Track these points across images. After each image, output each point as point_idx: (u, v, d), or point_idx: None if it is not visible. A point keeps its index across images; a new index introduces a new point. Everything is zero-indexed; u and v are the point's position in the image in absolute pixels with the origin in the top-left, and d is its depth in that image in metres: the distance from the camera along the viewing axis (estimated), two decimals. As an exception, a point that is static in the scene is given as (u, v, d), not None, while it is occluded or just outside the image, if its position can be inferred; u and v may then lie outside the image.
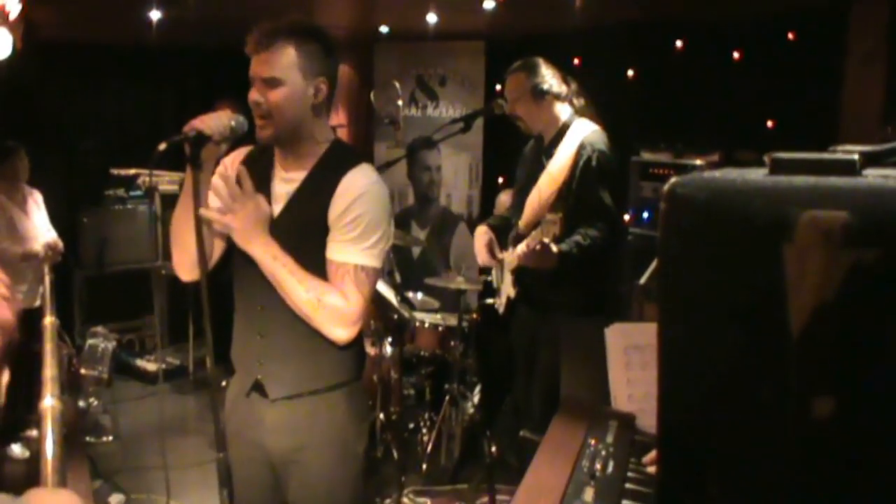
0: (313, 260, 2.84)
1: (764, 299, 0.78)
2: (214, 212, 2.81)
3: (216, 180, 2.93)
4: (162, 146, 2.58)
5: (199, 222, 2.69)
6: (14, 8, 5.03)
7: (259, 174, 2.97)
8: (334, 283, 2.82)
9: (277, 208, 2.91)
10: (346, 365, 2.99)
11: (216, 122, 2.71)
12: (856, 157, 0.87)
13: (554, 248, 4.20)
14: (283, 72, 2.76)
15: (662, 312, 1.02)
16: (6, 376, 1.66)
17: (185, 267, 2.93)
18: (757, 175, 0.91)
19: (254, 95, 2.81)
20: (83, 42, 8.78)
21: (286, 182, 2.94)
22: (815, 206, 0.72)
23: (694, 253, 0.92)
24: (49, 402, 2.08)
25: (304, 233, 2.86)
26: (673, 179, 0.96)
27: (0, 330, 1.57)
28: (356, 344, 2.99)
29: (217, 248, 3.01)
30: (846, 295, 0.70)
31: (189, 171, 2.72)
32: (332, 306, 2.79)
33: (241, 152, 3.10)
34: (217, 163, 2.95)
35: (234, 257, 3.01)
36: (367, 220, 2.81)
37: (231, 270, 3.05)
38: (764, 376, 0.78)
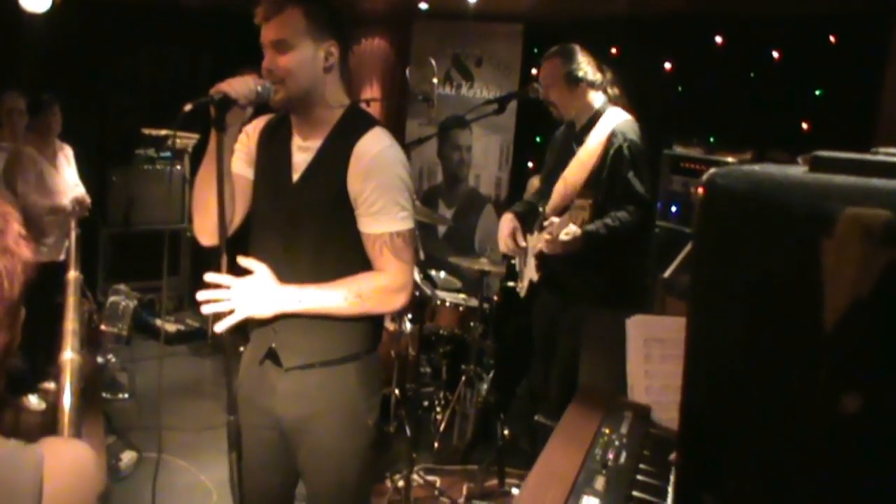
0: (337, 228, 2.88)
1: (799, 292, 0.77)
2: (231, 317, 2.78)
3: (235, 171, 2.97)
4: (187, 107, 2.60)
5: (222, 185, 2.69)
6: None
7: (278, 143, 3.01)
8: (373, 256, 2.86)
9: (296, 177, 2.93)
10: (361, 337, 3.01)
11: (242, 86, 2.72)
12: (896, 159, 0.86)
13: (577, 231, 4.19)
14: (293, 36, 2.79)
15: (693, 300, 1.01)
16: (21, 314, 1.68)
17: (207, 231, 2.93)
18: (796, 171, 0.91)
19: (266, 63, 2.82)
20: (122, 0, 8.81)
21: (303, 150, 2.95)
22: (856, 204, 0.72)
23: (730, 242, 0.92)
24: (69, 356, 2.09)
25: (326, 202, 2.88)
26: (712, 170, 0.96)
27: (22, 266, 1.59)
28: (372, 316, 3.00)
29: (238, 213, 3.02)
30: (882, 292, 0.70)
31: (213, 133, 2.73)
32: (373, 290, 2.84)
33: (262, 121, 3.13)
34: (240, 129, 2.97)
35: (250, 221, 3.03)
36: (388, 185, 2.83)
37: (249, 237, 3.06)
38: (793, 369, 0.78)
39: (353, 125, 2.93)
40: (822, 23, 6.25)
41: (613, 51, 6.96)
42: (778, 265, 0.82)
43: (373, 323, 3.05)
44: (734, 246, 0.91)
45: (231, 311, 2.77)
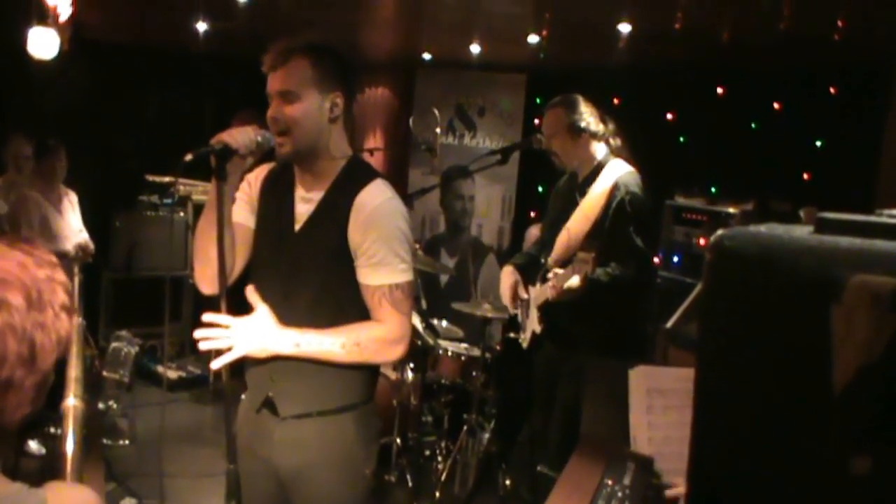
0: (338, 279, 2.88)
1: (807, 355, 0.78)
2: (228, 355, 2.77)
3: (236, 221, 2.98)
4: (188, 157, 2.61)
5: (223, 234, 2.72)
6: (65, 10, 5.09)
7: (281, 193, 3.03)
8: (372, 307, 2.86)
9: (298, 227, 2.95)
10: (358, 387, 3.00)
11: (243, 136, 2.74)
12: (902, 221, 0.87)
13: (580, 284, 4.20)
14: (300, 86, 2.81)
15: (701, 360, 1.02)
16: (48, 387, 1.67)
17: (207, 279, 2.92)
18: (803, 232, 0.92)
19: (272, 112, 2.84)
20: (130, 46, 8.90)
21: (306, 201, 2.97)
22: (863, 270, 0.73)
23: (738, 305, 0.92)
24: (72, 402, 2.09)
25: (326, 252, 2.89)
26: (719, 232, 0.97)
27: (57, 339, 1.58)
28: (369, 366, 3.00)
29: (239, 262, 3.03)
30: (891, 357, 0.71)
31: (214, 183, 2.74)
32: (372, 340, 2.83)
33: (264, 169, 3.14)
34: (242, 178, 2.98)
35: (251, 274, 3.04)
36: (386, 238, 2.84)
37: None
38: (802, 431, 0.79)
39: (354, 177, 2.94)
40: (824, 74, 6.31)
41: (615, 101, 7.01)
42: (786, 328, 0.83)
43: (369, 373, 3.05)
44: (742, 308, 0.91)
45: (229, 349, 2.76)
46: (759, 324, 0.88)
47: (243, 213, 3.05)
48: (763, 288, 0.87)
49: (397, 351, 2.90)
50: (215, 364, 2.74)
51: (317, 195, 2.95)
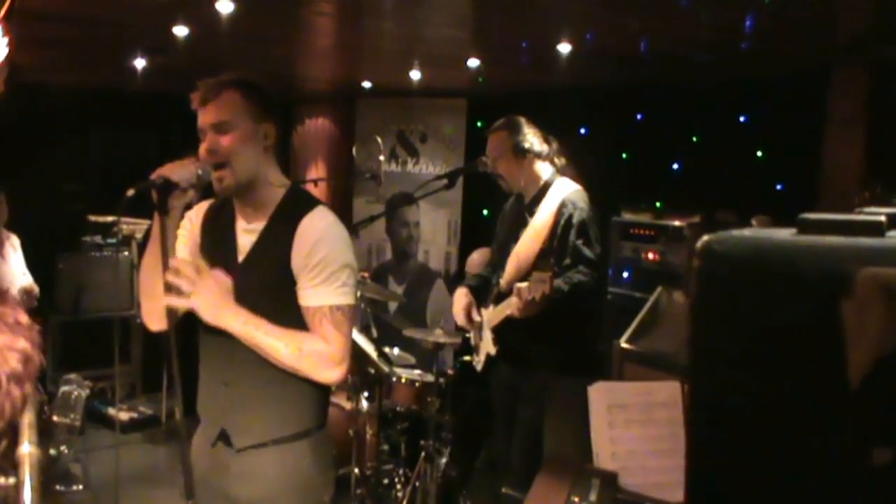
0: (282, 307, 2.89)
1: (818, 352, 0.79)
2: (179, 299, 2.80)
3: (180, 256, 3.00)
4: (130, 192, 2.63)
5: (167, 268, 2.74)
6: (1, 51, 5.02)
7: (222, 226, 3.06)
8: (313, 328, 2.87)
9: (241, 258, 2.97)
10: (311, 413, 3.01)
11: (182, 169, 2.76)
12: (882, 218, 0.88)
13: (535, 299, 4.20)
14: (233, 116, 2.85)
15: (695, 368, 1.02)
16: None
17: (154, 316, 2.95)
18: (786, 234, 0.92)
19: (207, 145, 2.87)
20: (67, 86, 8.81)
21: (248, 233, 2.99)
22: (870, 264, 0.73)
23: (734, 308, 0.93)
24: (27, 449, 2.04)
25: (270, 282, 2.91)
26: (706, 237, 0.98)
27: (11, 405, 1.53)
28: (320, 391, 3.02)
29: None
30: (907, 347, 0.71)
31: (157, 217, 2.77)
32: (313, 352, 2.84)
33: (203, 205, 3.17)
34: (184, 212, 3.00)
35: None
36: (331, 260, 2.86)
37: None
38: (816, 426, 0.79)
39: (296, 204, 2.97)
40: (762, 84, 6.39)
41: (557, 121, 7.06)
42: (790, 327, 0.83)
43: (322, 398, 3.06)
44: (739, 312, 0.92)
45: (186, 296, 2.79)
46: (760, 325, 0.88)
47: (186, 249, 3.08)
48: (762, 289, 0.87)
49: (335, 373, 2.90)
50: (169, 301, 2.77)
51: (258, 225, 2.98)
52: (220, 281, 2.83)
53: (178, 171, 2.75)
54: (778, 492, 0.85)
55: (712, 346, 0.98)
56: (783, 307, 0.84)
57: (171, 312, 2.76)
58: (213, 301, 2.80)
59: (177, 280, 2.77)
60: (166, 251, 2.76)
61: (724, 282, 0.94)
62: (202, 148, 2.87)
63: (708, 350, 1.00)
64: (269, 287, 2.91)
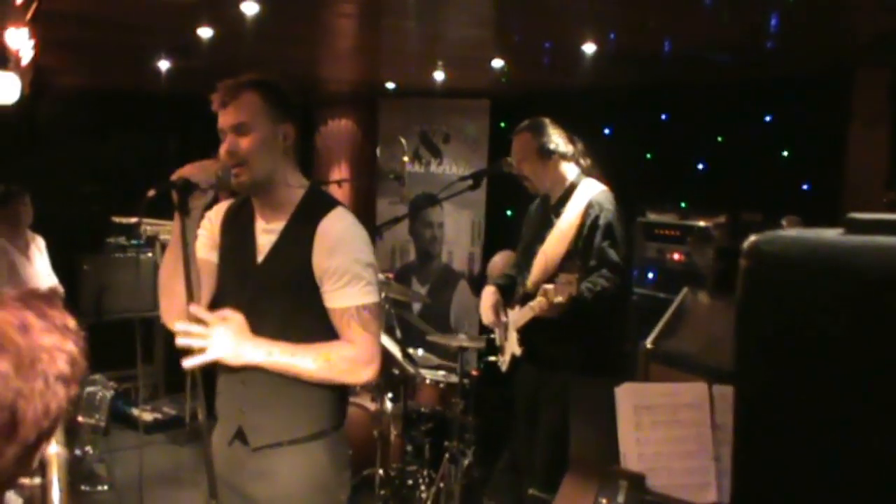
0: (302, 307, 2.93)
1: (873, 351, 0.77)
2: (198, 358, 2.77)
3: (200, 256, 3.01)
4: (150, 193, 2.64)
5: (189, 269, 2.74)
6: (26, 54, 5.05)
7: (241, 226, 3.08)
8: (341, 329, 2.90)
9: (261, 258, 2.98)
10: (328, 414, 3.02)
11: (202, 170, 2.78)
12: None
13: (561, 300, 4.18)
14: (252, 117, 2.87)
15: (742, 369, 1.00)
16: (35, 460, 1.61)
17: (174, 314, 2.93)
18: (835, 234, 0.91)
19: (227, 146, 2.88)
20: (91, 88, 8.86)
21: (267, 233, 3.00)
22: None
23: (786, 308, 0.91)
24: (54, 449, 2.05)
25: (291, 282, 2.93)
26: (753, 237, 0.97)
27: (45, 410, 1.52)
28: (338, 393, 3.04)
29: (205, 296, 3.05)
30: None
31: (177, 218, 2.77)
32: (342, 359, 2.86)
33: (224, 205, 3.19)
34: (204, 213, 3.02)
35: (216, 305, 3.04)
36: (352, 262, 2.88)
37: None
38: (870, 430, 0.77)
39: (315, 205, 2.99)
40: (785, 85, 6.36)
41: (581, 122, 7.05)
42: (846, 327, 0.82)
43: (338, 399, 3.07)
44: (790, 312, 0.91)
45: (203, 351, 2.76)
46: (814, 326, 0.87)
47: (206, 249, 3.10)
48: (816, 289, 0.86)
49: (368, 372, 2.94)
50: (187, 363, 2.75)
51: (278, 226, 2.99)
52: (230, 323, 2.81)
53: (198, 172, 2.76)
54: (825, 494, 0.84)
55: (760, 346, 0.97)
56: (838, 307, 0.83)
57: (190, 314, 2.75)
58: (231, 346, 2.79)
59: (189, 340, 2.76)
60: (187, 250, 2.76)
61: (774, 282, 0.93)
62: (222, 149, 2.89)
63: (756, 351, 0.98)
64: (289, 287, 2.93)
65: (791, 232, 0.96)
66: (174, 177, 2.73)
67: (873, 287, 0.79)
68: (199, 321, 2.77)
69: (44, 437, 1.52)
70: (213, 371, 2.88)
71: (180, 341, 2.76)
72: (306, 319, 2.91)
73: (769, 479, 0.95)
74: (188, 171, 2.76)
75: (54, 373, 1.50)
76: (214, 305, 3.05)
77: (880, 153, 5.72)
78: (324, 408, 3.00)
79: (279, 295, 2.93)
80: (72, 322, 1.59)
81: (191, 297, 2.72)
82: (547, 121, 4.74)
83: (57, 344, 1.52)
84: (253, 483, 2.98)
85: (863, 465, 0.79)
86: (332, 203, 3.01)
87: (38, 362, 1.48)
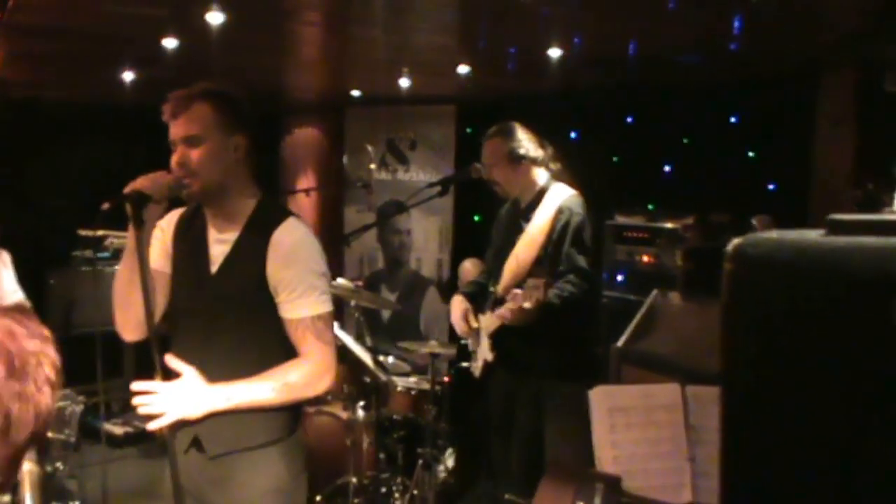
0: (255, 317, 2.96)
1: (871, 353, 0.78)
2: (160, 421, 2.80)
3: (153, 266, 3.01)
4: (105, 206, 2.67)
5: (146, 280, 2.76)
6: (-12, 68, 5.02)
7: (194, 236, 3.09)
8: (296, 339, 2.94)
9: (215, 269, 3.00)
10: (282, 423, 3.04)
11: (155, 182, 2.80)
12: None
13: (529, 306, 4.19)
14: (203, 129, 2.89)
15: (729, 372, 1.00)
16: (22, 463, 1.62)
17: (130, 326, 3.00)
18: (817, 235, 0.92)
19: (177, 158, 2.90)
20: (54, 100, 8.79)
21: (220, 243, 3.02)
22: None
23: (774, 310, 0.92)
24: (27, 467, 2.03)
25: (245, 291, 2.95)
26: (736, 241, 0.97)
27: (36, 414, 1.53)
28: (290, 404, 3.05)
29: (159, 307, 3.08)
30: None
31: (131, 230, 2.79)
32: (299, 377, 2.91)
33: (175, 214, 3.20)
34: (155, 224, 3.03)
35: (170, 316, 3.09)
36: (306, 273, 2.93)
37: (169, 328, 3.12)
38: (862, 432, 0.78)
39: (268, 215, 3.02)
40: (752, 86, 6.40)
41: (547, 126, 7.06)
42: (840, 326, 0.82)
43: (293, 409, 3.10)
44: (780, 313, 0.91)
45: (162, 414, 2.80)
46: (802, 328, 0.87)
47: (159, 259, 3.11)
48: (804, 292, 0.86)
49: (325, 382, 2.98)
50: (152, 426, 2.79)
51: (231, 236, 3.01)
52: (185, 380, 2.83)
53: (151, 184, 2.78)
54: (812, 497, 0.84)
55: (747, 350, 0.97)
56: (826, 309, 0.83)
57: (150, 321, 2.78)
58: (191, 405, 2.81)
59: (148, 408, 2.78)
60: (144, 263, 2.78)
61: (760, 285, 0.93)
62: (172, 160, 2.90)
63: (742, 354, 0.98)
64: (244, 297, 2.95)
65: (773, 234, 0.96)
66: (127, 189, 2.75)
67: (861, 289, 0.79)
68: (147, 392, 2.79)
69: (33, 440, 1.54)
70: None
71: (141, 409, 2.79)
72: (260, 328, 2.95)
73: (757, 482, 0.95)
74: (141, 183, 2.78)
75: (42, 377, 1.54)
76: (168, 315, 3.11)
77: (846, 153, 5.76)
78: (279, 417, 3.01)
79: (234, 304, 2.95)
80: (47, 331, 1.62)
81: (148, 308, 2.74)
82: (517, 125, 4.75)
83: (41, 349, 1.56)
84: (209, 490, 3.01)
85: (851, 467, 0.80)
86: (284, 213, 3.04)
87: (27, 366, 1.51)
